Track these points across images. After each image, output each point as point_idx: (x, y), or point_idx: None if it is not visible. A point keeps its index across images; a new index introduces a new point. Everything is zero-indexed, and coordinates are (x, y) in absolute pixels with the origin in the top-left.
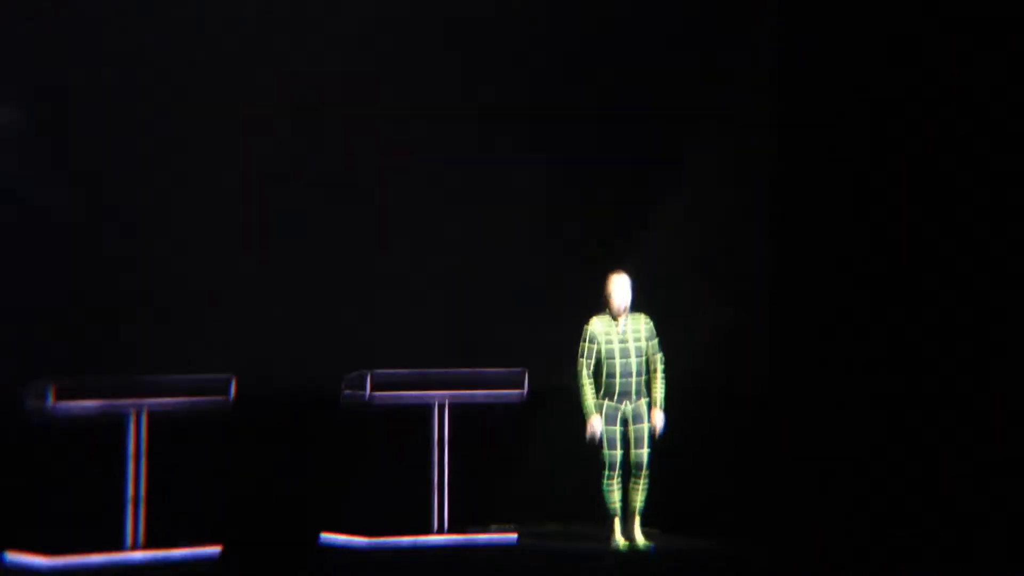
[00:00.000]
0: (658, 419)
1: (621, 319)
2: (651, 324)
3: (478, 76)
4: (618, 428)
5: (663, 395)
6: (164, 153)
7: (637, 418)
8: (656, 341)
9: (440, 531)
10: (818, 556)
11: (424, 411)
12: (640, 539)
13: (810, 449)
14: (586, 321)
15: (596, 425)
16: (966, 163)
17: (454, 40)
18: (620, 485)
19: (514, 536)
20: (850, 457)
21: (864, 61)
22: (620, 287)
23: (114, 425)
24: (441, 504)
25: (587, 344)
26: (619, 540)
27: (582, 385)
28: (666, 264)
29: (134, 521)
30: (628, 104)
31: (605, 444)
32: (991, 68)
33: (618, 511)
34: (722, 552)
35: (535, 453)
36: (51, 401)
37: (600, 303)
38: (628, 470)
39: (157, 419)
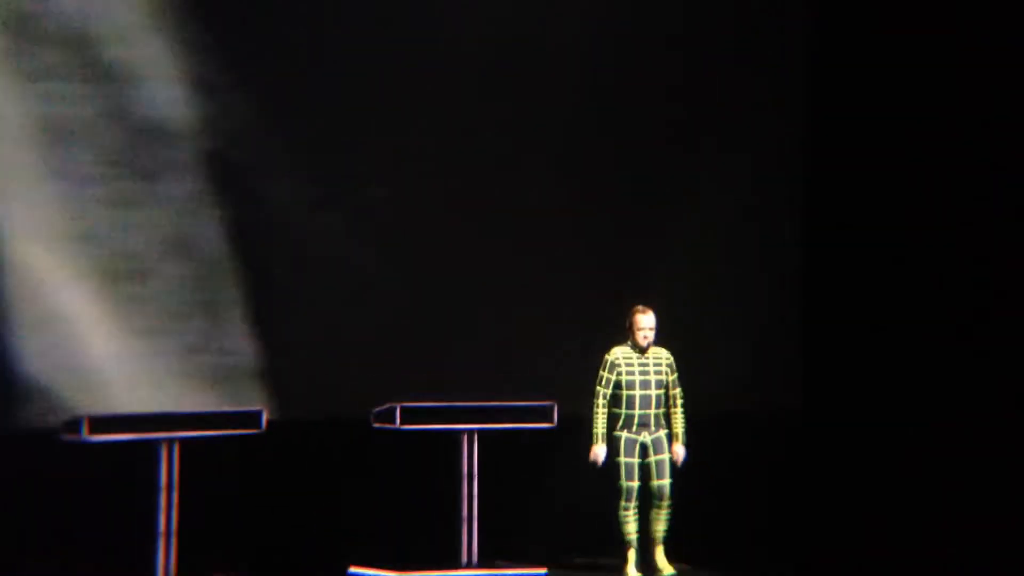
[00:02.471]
0: (679, 452)
1: (644, 353)
2: (672, 359)
3: (498, 101)
4: (636, 459)
5: (683, 428)
6: None
7: (658, 448)
8: (676, 376)
9: (469, 565)
10: None
11: (453, 443)
12: (665, 568)
13: (848, 476)
14: (607, 350)
15: (599, 454)
16: (1008, 157)
17: (475, 58)
18: (636, 515)
19: (544, 571)
20: (891, 485)
21: (896, 51)
22: (645, 322)
23: (146, 458)
24: (470, 537)
25: (606, 373)
26: (632, 573)
27: (596, 412)
28: (693, 283)
29: (166, 554)
30: (653, 122)
31: (623, 474)
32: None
33: (634, 542)
34: None
35: (564, 485)
36: (85, 433)
37: (623, 334)
38: (648, 500)
39: (189, 452)
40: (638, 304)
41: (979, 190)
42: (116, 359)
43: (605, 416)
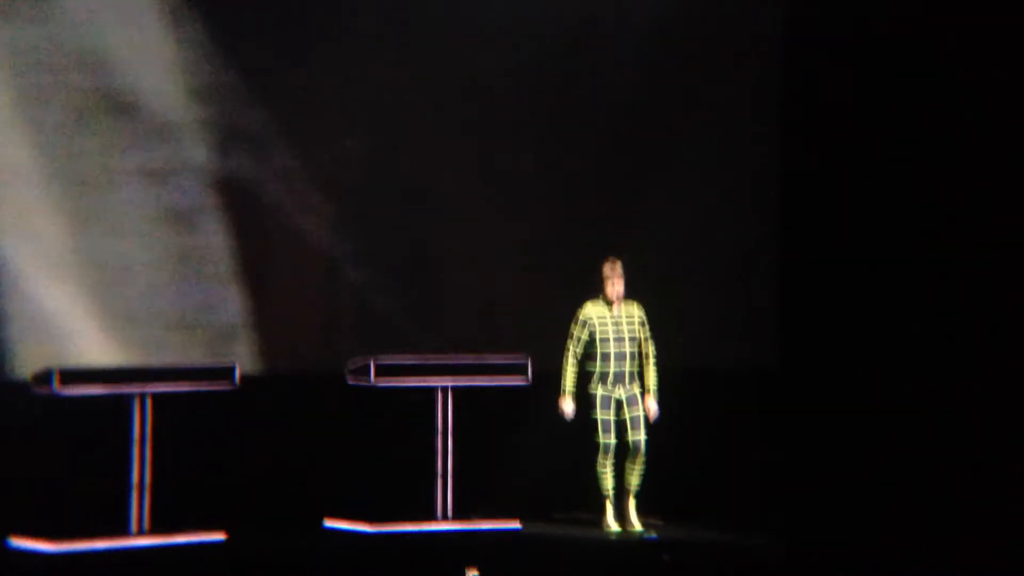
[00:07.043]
0: (652, 406)
1: (615, 305)
2: (644, 314)
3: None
4: (612, 415)
5: (655, 382)
6: None
7: (632, 404)
8: (648, 331)
9: (444, 518)
10: (827, 549)
11: (428, 397)
12: (636, 523)
13: (822, 436)
14: (580, 304)
15: (566, 408)
16: (984, 136)
17: (455, 34)
18: (613, 470)
19: (517, 523)
20: (865, 446)
21: (873, 35)
22: (614, 273)
23: (119, 411)
24: (445, 491)
25: (578, 327)
26: (611, 524)
27: (565, 366)
28: (670, 241)
29: (139, 507)
30: (628, 82)
31: (600, 430)
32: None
33: (610, 495)
34: (726, 543)
35: (539, 439)
36: (56, 386)
37: (595, 288)
38: (623, 454)
39: (162, 405)
40: (606, 257)
41: (954, 149)
42: (90, 310)
43: (575, 371)
